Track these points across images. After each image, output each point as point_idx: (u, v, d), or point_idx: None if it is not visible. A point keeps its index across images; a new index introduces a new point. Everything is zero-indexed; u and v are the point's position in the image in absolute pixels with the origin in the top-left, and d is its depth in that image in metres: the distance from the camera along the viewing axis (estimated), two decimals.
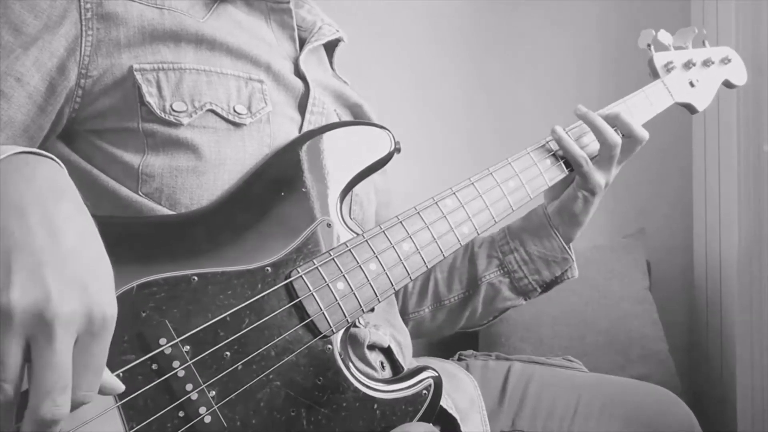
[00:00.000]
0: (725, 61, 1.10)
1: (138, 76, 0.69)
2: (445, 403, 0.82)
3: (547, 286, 1.01)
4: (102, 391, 0.55)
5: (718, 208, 1.83)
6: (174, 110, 0.70)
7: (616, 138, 0.92)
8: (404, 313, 1.03)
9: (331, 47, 0.93)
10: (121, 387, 0.57)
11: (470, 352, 1.13)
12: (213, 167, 0.70)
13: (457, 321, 1.04)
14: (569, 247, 0.99)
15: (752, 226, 1.71)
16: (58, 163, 0.57)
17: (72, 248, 0.50)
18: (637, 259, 1.75)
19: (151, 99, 0.69)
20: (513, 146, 0.91)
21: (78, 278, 0.49)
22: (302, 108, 0.80)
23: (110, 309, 0.51)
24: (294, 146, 0.75)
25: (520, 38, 1.91)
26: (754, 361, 1.71)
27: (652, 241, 1.89)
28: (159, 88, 0.69)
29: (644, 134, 0.95)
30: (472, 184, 0.82)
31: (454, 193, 0.80)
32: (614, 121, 0.94)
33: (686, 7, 1.92)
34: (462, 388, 0.94)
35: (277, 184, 0.72)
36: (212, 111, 0.71)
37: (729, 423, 1.74)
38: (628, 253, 1.76)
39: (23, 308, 0.47)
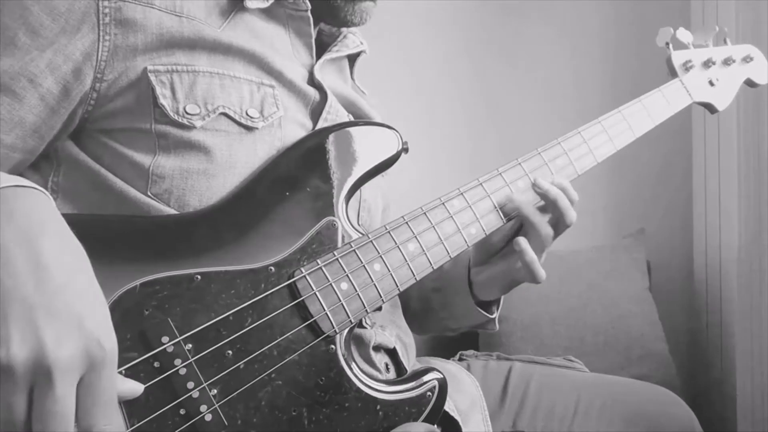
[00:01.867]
0: (747, 59, 1.07)
1: (152, 77, 0.69)
2: (447, 405, 0.82)
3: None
4: (122, 399, 0.56)
5: (718, 208, 1.83)
6: (187, 113, 0.69)
7: (573, 218, 0.83)
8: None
9: (353, 57, 0.92)
10: (140, 388, 0.57)
11: (471, 352, 1.13)
12: (223, 170, 0.70)
13: (439, 330, 1.04)
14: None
15: (752, 226, 1.71)
16: (41, 192, 0.56)
17: (62, 284, 0.50)
18: (637, 259, 1.75)
19: (165, 101, 0.69)
20: (513, 148, 0.90)
21: (71, 315, 0.49)
22: (315, 115, 0.79)
23: (108, 342, 0.51)
24: (300, 146, 0.74)
25: (519, 41, 1.91)
26: (754, 361, 1.71)
27: (652, 241, 1.89)
28: (173, 90, 0.69)
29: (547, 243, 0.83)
30: (481, 184, 0.81)
31: (462, 194, 0.79)
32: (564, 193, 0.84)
33: (686, 7, 1.92)
34: (463, 389, 0.94)
35: (282, 184, 0.71)
36: (225, 114, 0.71)
37: (729, 423, 1.74)
38: (628, 253, 1.76)
39: (23, 361, 0.47)
